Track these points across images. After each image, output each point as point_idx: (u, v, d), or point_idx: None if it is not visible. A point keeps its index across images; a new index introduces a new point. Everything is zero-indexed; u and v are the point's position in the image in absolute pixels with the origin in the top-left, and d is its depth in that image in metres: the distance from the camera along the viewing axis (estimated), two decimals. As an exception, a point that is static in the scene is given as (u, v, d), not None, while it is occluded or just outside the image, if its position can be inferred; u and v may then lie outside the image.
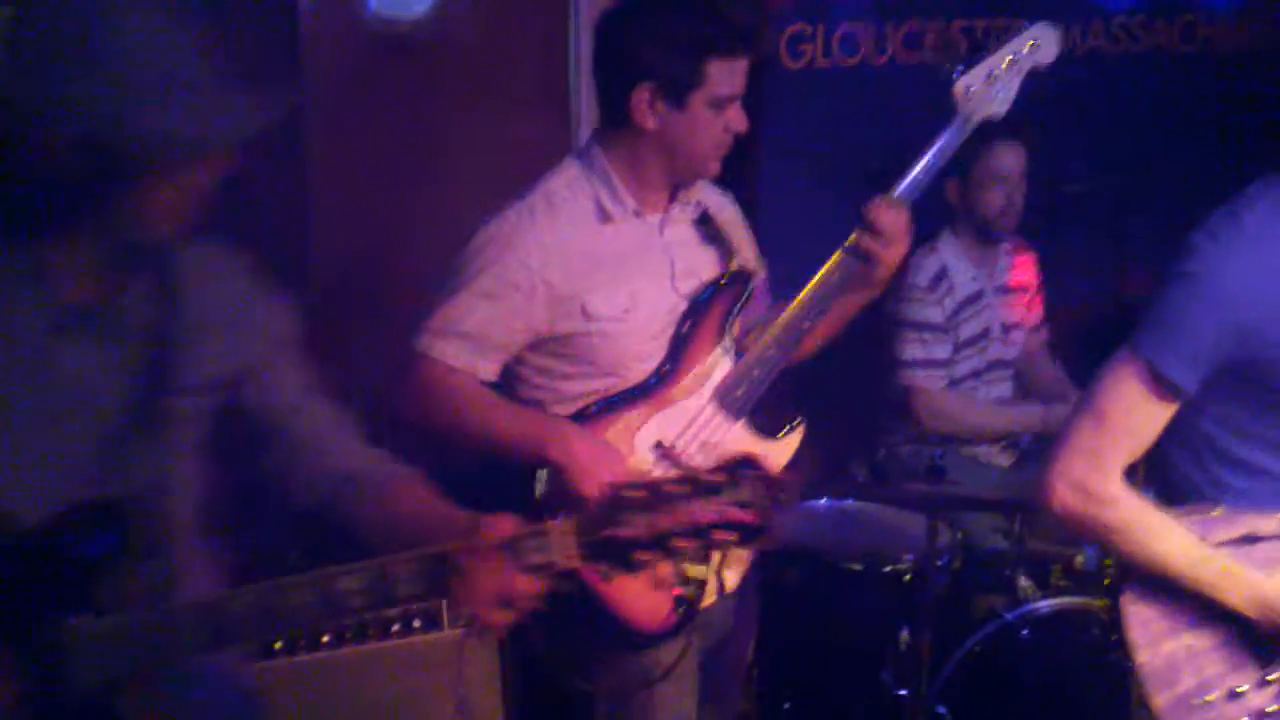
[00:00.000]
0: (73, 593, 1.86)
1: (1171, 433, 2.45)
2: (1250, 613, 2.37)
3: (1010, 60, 2.72)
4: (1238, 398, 2.38)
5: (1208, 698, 2.40)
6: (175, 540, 1.97)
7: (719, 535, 1.78)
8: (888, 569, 3.49)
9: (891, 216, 2.66)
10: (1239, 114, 4.95)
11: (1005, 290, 4.24)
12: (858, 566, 3.50)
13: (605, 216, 2.65)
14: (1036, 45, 2.74)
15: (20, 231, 1.87)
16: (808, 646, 3.60)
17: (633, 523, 1.78)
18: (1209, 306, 2.29)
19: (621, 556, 1.80)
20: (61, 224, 1.88)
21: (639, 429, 2.66)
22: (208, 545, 2.11)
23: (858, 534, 3.65)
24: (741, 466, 1.82)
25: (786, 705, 3.61)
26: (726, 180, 2.85)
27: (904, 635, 3.47)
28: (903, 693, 3.44)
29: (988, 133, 3.95)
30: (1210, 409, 2.40)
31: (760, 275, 2.89)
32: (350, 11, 3.64)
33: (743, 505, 1.79)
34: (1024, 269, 4.31)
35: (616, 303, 2.63)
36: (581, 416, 2.66)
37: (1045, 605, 3.53)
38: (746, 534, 1.79)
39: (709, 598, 2.71)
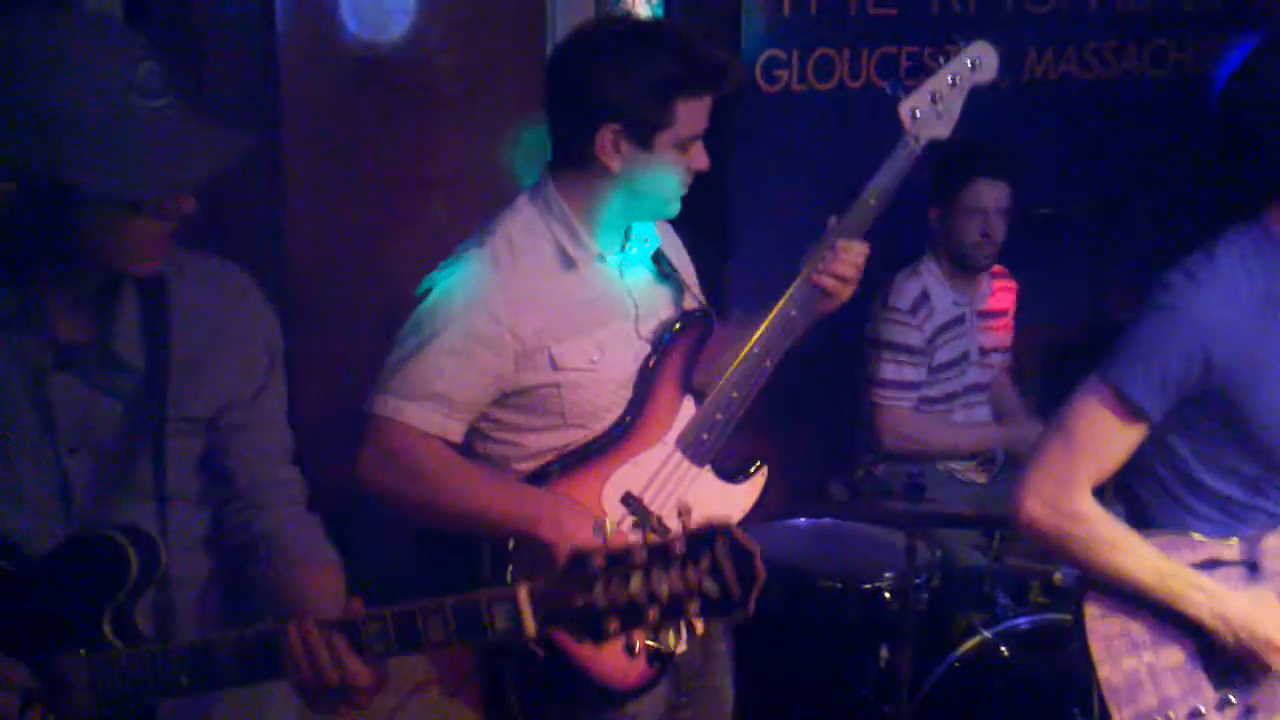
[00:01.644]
0: (75, 624, 1.88)
1: (1139, 462, 2.50)
2: (1216, 627, 2.42)
3: (952, 81, 2.71)
4: (1203, 429, 2.43)
5: (1169, 714, 2.44)
6: (177, 572, 1.98)
7: (688, 606, 1.68)
8: (867, 587, 3.49)
9: (851, 258, 2.63)
10: (1210, 139, 5.00)
11: (985, 314, 4.27)
12: (837, 585, 3.50)
13: (569, 262, 2.54)
14: (977, 64, 2.73)
15: (8, 272, 1.88)
16: (788, 665, 3.59)
17: (598, 590, 1.69)
18: (1179, 337, 2.36)
19: (587, 624, 1.70)
20: (42, 264, 1.89)
21: (606, 482, 2.56)
22: (209, 576, 2.12)
23: (837, 552, 3.66)
24: (715, 534, 1.69)
25: (766, 724, 3.61)
26: (699, 205, 2.82)
27: (884, 653, 3.48)
28: (883, 710, 3.45)
29: (972, 166, 4.03)
30: (1178, 439, 2.46)
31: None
32: (328, 35, 3.65)
33: (713, 575, 1.68)
34: (1003, 294, 4.34)
35: (585, 354, 2.53)
36: (545, 473, 2.55)
37: (1024, 622, 3.55)
38: (717, 606, 1.68)
39: (681, 645, 2.64)
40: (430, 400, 2.45)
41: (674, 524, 2.48)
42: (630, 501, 2.57)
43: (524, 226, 2.55)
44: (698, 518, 2.53)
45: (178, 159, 1.81)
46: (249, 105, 3.56)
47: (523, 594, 1.74)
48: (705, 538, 1.68)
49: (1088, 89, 4.87)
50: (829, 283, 2.63)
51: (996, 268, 4.30)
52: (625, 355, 2.59)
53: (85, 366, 1.93)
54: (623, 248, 2.63)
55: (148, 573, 1.90)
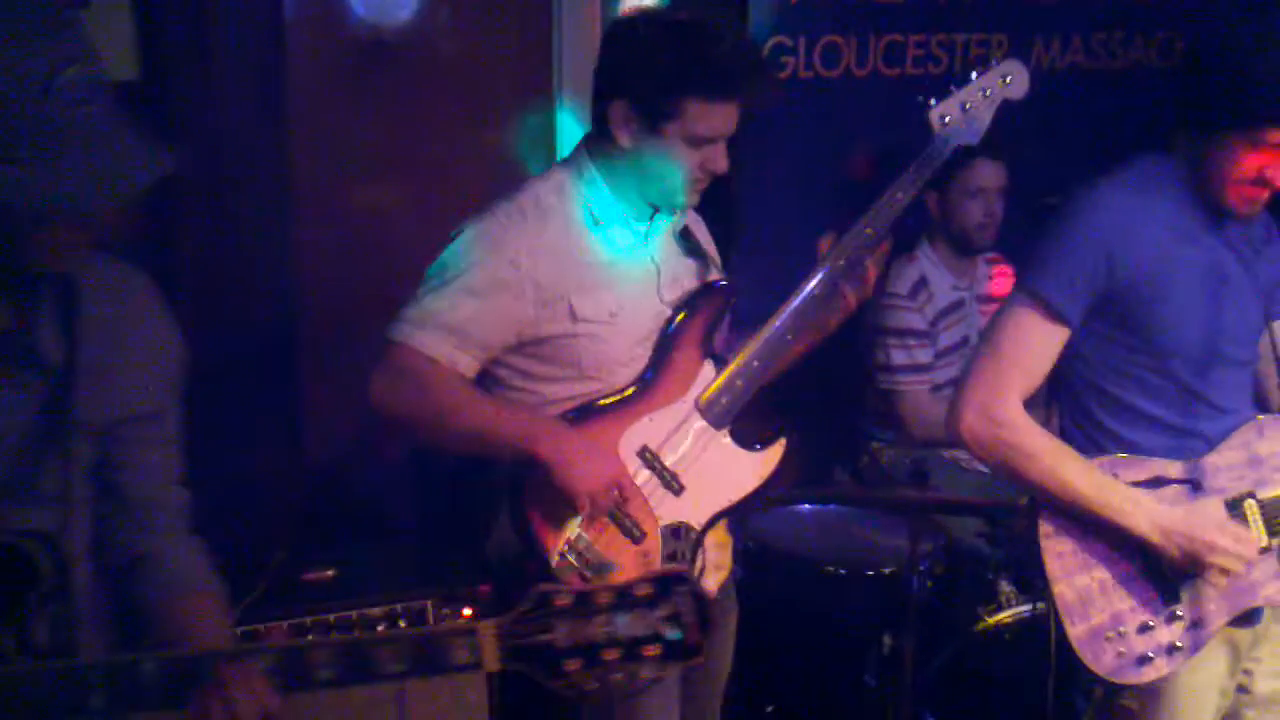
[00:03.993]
0: None
1: (1061, 387, 2.66)
2: (1154, 538, 2.53)
3: (983, 93, 2.82)
4: (1122, 344, 2.57)
5: (1120, 629, 2.56)
6: (76, 584, 1.88)
7: (647, 651, 1.73)
8: (870, 574, 3.50)
9: (874, 257, 2.72)
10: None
11: (986, 299, 4.27)
12: (841, 570, 3.51)
13: (595, 222, 2.63)
14: (1008, 80, 2.84)
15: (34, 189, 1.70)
16: (791, 650, 3.60)
17: (560, 630, 1.73)
18: (1082, 235, 2.53)
19: (547, 663, 1.74)
20: None
21: (624, 434, 2.64)
22: (97, 586, 2.03)
23: (841, 538, 3.66)
24: (674, 581, 1.75)
25: (769, 708, 3.61)
26: (705, 190, 2.83)
27: (886, 639, 3.48)
28: (886, 696, 3.45)
29: (968, 148, 4.03)
30: (1101, 360, 2.59)
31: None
32: (336, 19, 3.64)
33: (673, 621, 1.73)
34: (1003, 279, 4.34)
35: (604, 307, 2.61)
36: (565, 420, 2.63)
37: (1027, 609, 3.55)
38: (675, 651, 1.74)
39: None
40: (444, 330, 2.54)
41: (687, 481, 2.63)
42: (646, 454, 2.65)
43: (554, 187, 2.64)
44: (715, 479, 2.67)
45: (96, 174, 1.68)
46: (255, 90, 3.55)
47: (486, 629, 1.76)
48: (667, 584, 1.75)
49: (1094, 79, 4.86)
50: (850, 290, 2.73)
51: (993, 254, 4.31)
52: (645, 314, 2.68)
53: (1, 357, 1.84)
54: (650, 219, 2.70)
55: (57, 583, 1.82)
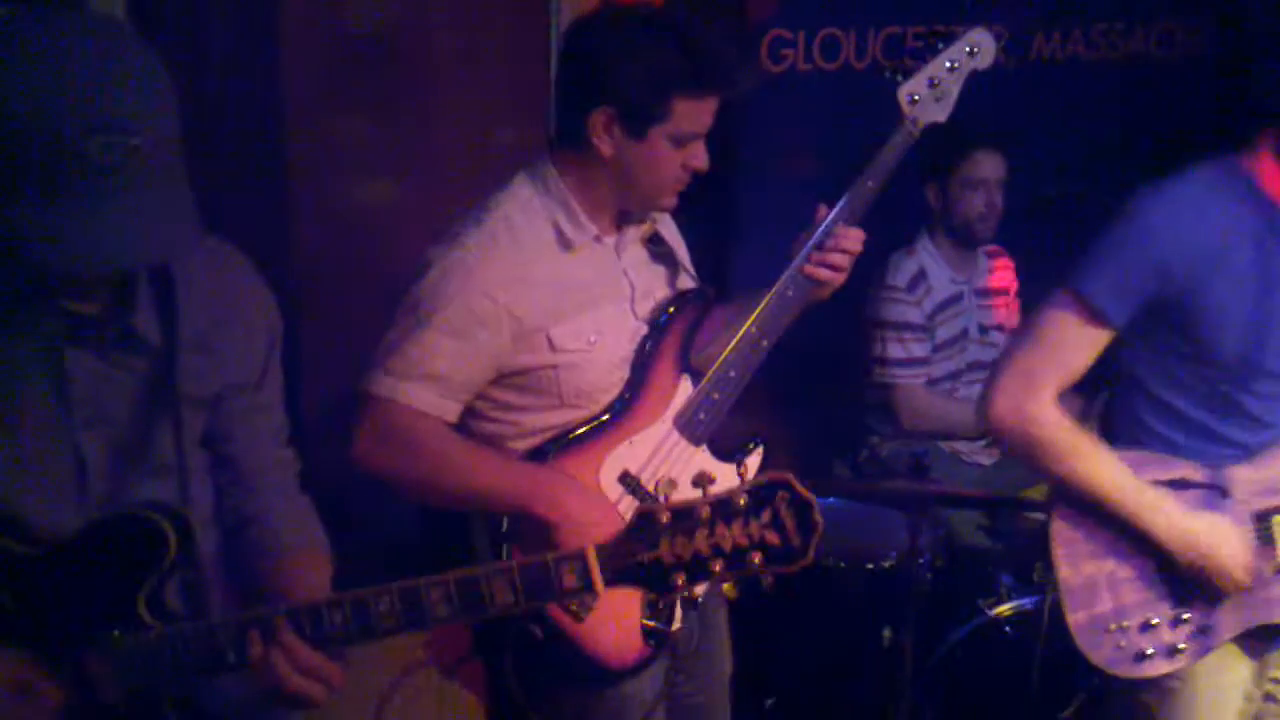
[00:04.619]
0: (107, 609, 1.85)
1: (1113, 381, 2.63)
2: (1172, 545, 2.51)
3: (950, 66, 2.73)
4: (1166, 345, 2.52)
5: (1123, 623, 2.54)
6: (201, 551, 1.95)
7: (752, 558, 1.75)
8: (870, 567, 3.50)
9: (846, 245, 2.63)
10: (1217, 120, 4.99)
11: (985, 293, 4.27)
12: (841, 564, 3.51)
13: (566, 244, 2.51)
14: (974, 50, 2.75)
15: (29, 243, 1.73)
16: (790, 644, 3.61)
17: (664, 546, 1.76)
18: (1135, 242, 2.47)
19: (654, 579, 1.78)
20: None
21: (604, 461, 2.55)
22: (218, 551, 2.09)
23: (841, 532, 3.63)
24: (773, 488, 1.75)
25: (769, 702, 3.61)
26: (704, 185, 2.79)
27: (886, 632, 3.49)
28: (885, 690, 3.45)
29: (968, 140, 4.05)
30: (1144, 357, 2.56)
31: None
32: (331, 18, 3.64)
33: (774, 527, 1.75)
34: (1003, 272, 4.34)
35: (582, 335, 2.51)
36: (543, 452, 2.54)
37: (1027, 602, 3.55)
38: (778, 556, 1.76)
39: (676, 622, 2.63)
40: (427, 380, 2.44)
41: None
42: (627, 480, 2.57)
43: (522, 206, 2.51)
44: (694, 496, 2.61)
45: (88, 244, 1.67)
46: (250, 87, 3.55)
47: (591, 552, 1.79)
48: (766, 491, 1.75)
49: (1094, 70, 4.86)
50: (823, 273, 2.63)
51: (993, 246, 4.31)
52: (622, 336, 2.58)
53: (102, 342, 1.88)
54: (620, 229, 2.62)
55: (185, 551, 1.88)
